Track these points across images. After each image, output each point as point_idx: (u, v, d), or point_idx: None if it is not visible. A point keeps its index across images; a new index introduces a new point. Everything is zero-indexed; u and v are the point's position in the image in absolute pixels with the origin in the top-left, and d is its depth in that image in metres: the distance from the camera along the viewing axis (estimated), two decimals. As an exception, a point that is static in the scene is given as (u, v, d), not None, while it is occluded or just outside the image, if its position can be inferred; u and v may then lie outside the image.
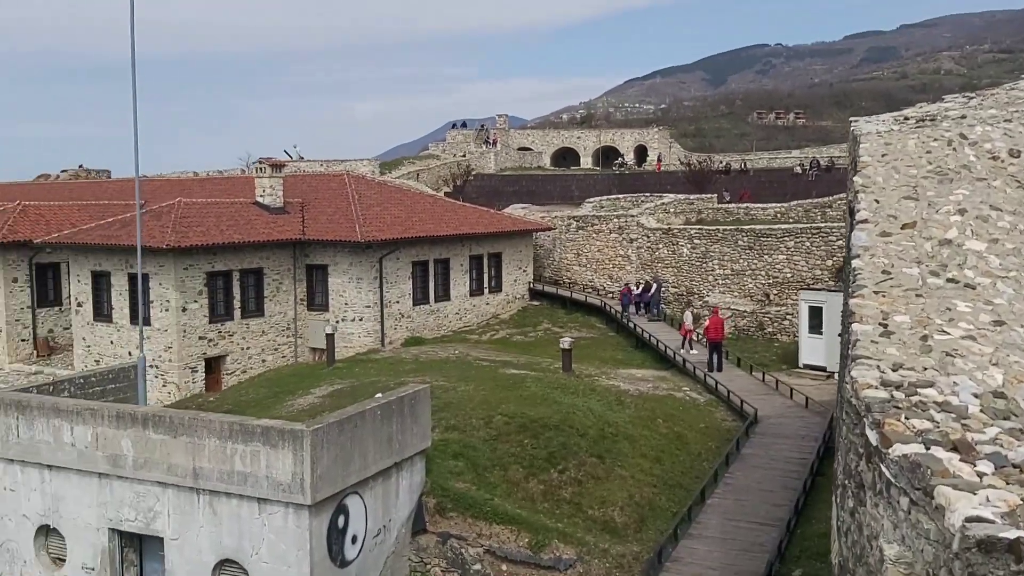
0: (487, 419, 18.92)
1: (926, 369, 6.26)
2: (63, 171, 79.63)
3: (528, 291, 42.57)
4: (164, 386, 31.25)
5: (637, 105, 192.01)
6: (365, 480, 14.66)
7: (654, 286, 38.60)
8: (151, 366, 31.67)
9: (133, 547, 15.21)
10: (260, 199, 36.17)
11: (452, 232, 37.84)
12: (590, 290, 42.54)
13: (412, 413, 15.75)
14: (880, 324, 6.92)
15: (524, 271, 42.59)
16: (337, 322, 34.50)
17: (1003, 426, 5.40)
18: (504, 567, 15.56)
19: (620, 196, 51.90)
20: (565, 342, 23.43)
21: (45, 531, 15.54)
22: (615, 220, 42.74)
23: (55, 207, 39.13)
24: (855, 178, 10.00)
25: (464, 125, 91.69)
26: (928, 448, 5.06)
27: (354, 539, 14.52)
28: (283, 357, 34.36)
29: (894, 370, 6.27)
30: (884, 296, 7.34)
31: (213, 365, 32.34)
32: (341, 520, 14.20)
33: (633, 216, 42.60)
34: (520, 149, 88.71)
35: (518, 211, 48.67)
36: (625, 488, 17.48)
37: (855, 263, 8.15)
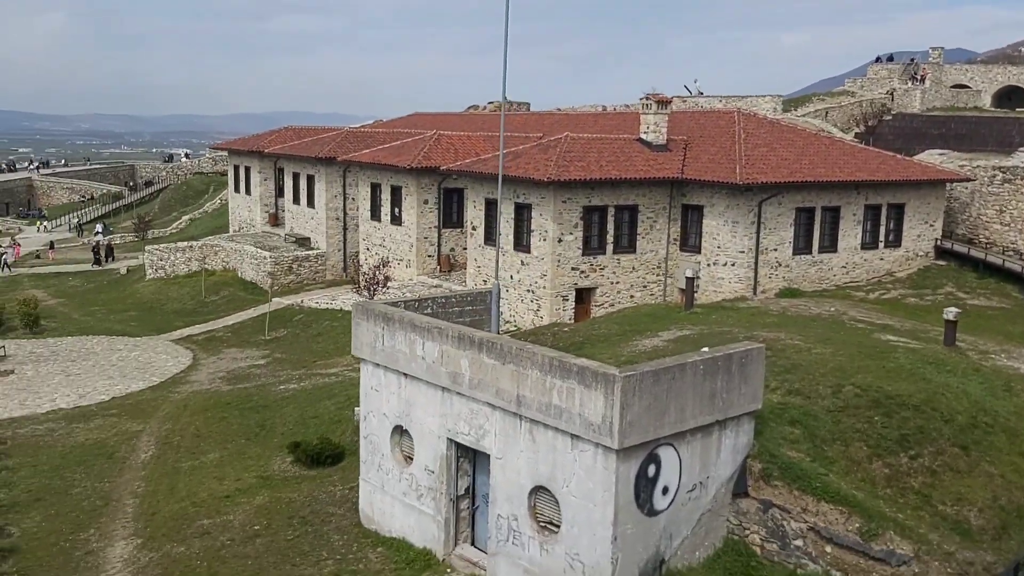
0: (836, 387, 17.31)
1: None
2: (489, 103, 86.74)
3: (934, 249, 38.20)
4: (538, 311, 33.09)
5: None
6: (681, 433, 14.22)
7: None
8: (527, 291, 33.70)
9: (468, 458, 16.35)
10: (644, 136, 36.26)
11: (846, 178, 34.90)
12: (1011, 253, 37.07)
13: (741, 372, 14.89)
14: None
15: (931, 226, 38.21)
16: (708, 265, 33.82)
17: None
18: (828, 549, 14.28)
19: (1067, 146, 44.10)
20: (951, 312, 20.54)
21: (399, 431, 17.28)
22: (1051, 174, 36.51)
23: (464, 137, 42.72)
24: None
25: (891, 59, 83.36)
26: None
27: (665, 490, 14.22)
28: (651, 295, 34.56)
29: None
30: None
31: (584, 296, 33.51)
32: (652, 469, 13.95)
33: (1076, 170, 36.03)
34: (954, 87, 78.76)
35: (934, 157, 43.52)
36: (990, 487, 15.06)
37: None
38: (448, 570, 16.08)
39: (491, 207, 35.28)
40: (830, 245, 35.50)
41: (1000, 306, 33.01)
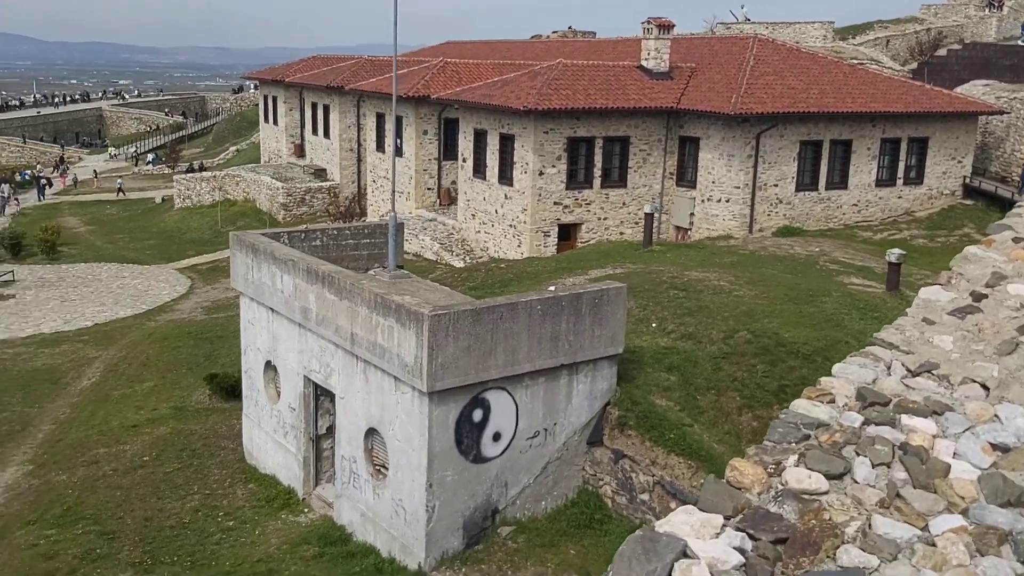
0: (730, 332, 16.03)
1: None
2: (553, 32, 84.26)
3: (962, 187, 35.50)
4: (519, 246, 32.10)
5: None
6: (517, 377, 13.31)
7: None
8: (510, 226, 32.70)
9: (329, 397, 15.80)
10: (644, 63, 34.38)
11: (858, 109, 32.48)
12: (1045, 192, 34.13)
13: (594, 314, 13.81)
14: None
15: (959, 162, 35.46)
16: (703, 201, 32.15)
17: None
18: (673, 505, 13.27)
19: None
20: (893, 254, 18.78)
21: (271, 367, 16.84)
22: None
23: (471, 65, 41.41)
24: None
25: (972, -17, 77.61)
26: None
27: (496, 436, 13.40)
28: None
29: None
30: None
31: (569, 232, 32.33)
32: (478, 414, 13.13)
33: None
34: (1038, 14, 72.83)
35: (977, 88, 40.30)
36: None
37: None
38: (306, 510, 15.70)
39: (480, 137, 34.17)
40: (840, 181, 33.30)
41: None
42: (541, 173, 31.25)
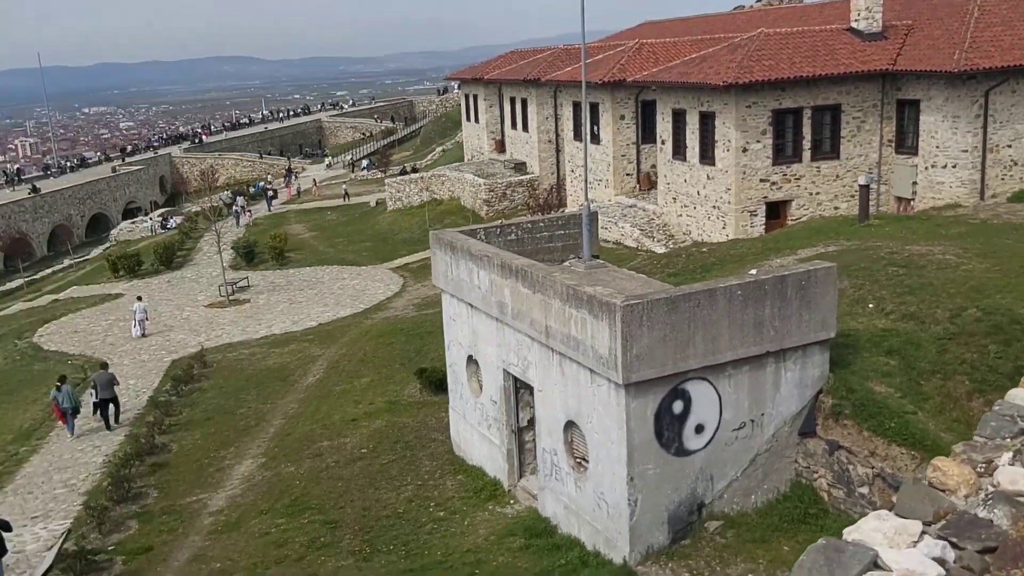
0: (958, 311, 14.54)
1: None
2: (757, 1, 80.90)
3: None
4: (723, 228, 31.01)
5: None
6: (719, 366, 12.74)
7: None
8: (713, 207, 31.66)
9: (529, 390, 15.86)
10: (854, 24, 32.17)
11: (1108, 53, 28.76)
12: None
13: (801, 297, 12.97)
14: None
15: None
16: (927, 168, 29.69)
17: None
18: (894, 499, 12.22)
19: None
20: None
21: (472, 361, 17.14)
22: None
23: (668, 44, 40.47)
24: None
25: None
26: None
27: (699, 428, 12.89)
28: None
29: None
30: None
31: (778, 209, 30.87)
32: (678, 405, 12.68)
33: None
34: None
35: None
36: None
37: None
38: (511, 501, 15.86)
39: (678, 117, 33.31)
40: (1090, 135, 29.65)
41: None
42: (744, 150, 30.00)
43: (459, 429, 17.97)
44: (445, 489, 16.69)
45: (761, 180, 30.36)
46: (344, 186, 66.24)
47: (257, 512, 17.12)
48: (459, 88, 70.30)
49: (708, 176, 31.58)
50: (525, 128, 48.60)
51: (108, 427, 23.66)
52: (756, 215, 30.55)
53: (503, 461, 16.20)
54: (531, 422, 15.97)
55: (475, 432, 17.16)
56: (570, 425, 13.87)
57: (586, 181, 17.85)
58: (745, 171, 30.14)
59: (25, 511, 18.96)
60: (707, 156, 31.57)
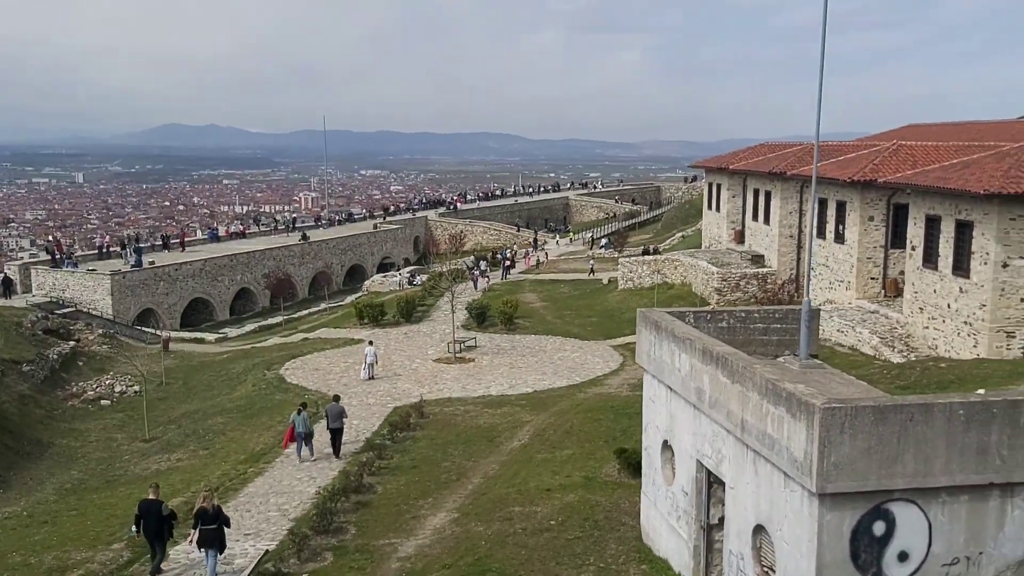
0: None
1: None
2: (1044, 111, 75.09)
3: None
4: (974, 346, 28.37)
5: None
6: (932, 490, 11.59)
7: None
8: (964, 323, 29.14)
9: (721, 485, 15.18)
10: None
11: None
12: None
13: (1037, 425, 11.58)
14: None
15: None
16: None
17: None
18: None
19: None
20: None
21: (667, 447, 16.68)
22: None
23: (929, 147, 38.20)
24: None
25: None
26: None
27: (903, 556, 11.71)
28: None
29: None
30: None
31: (1040, 332, 27.85)
32: (879, 527, 11.62)
33: None
34: None
35: None
36: None
37: None
38: (692, 601, 15.12)
39: (932, 224, 31.18)
40: None
41: None
42: (1005, 265, 27.48)
43: (649, 516, 17.48)
44: None
45: (1022, 299, 27.62)
46: (592, 262, 67.60)
47: (441, 565, 17.46)
48: (704, 176, 69.92)
49: (961, 289, 29.17)
50: (767, 221, 47.41)
51: (336, 454, 25.56)
52: (1014, 337, 27.74)
53: (689, 558, 15.53)
54: (722, 521, 15.25)
55: (664, 522, 16.61)
56: (759, 529, 13.10)
57: (808, 276, 17.07)
58: (1004, 288, 27.56)
59: (240, 527, 20.47)
60: (961, 267, 29.22)
